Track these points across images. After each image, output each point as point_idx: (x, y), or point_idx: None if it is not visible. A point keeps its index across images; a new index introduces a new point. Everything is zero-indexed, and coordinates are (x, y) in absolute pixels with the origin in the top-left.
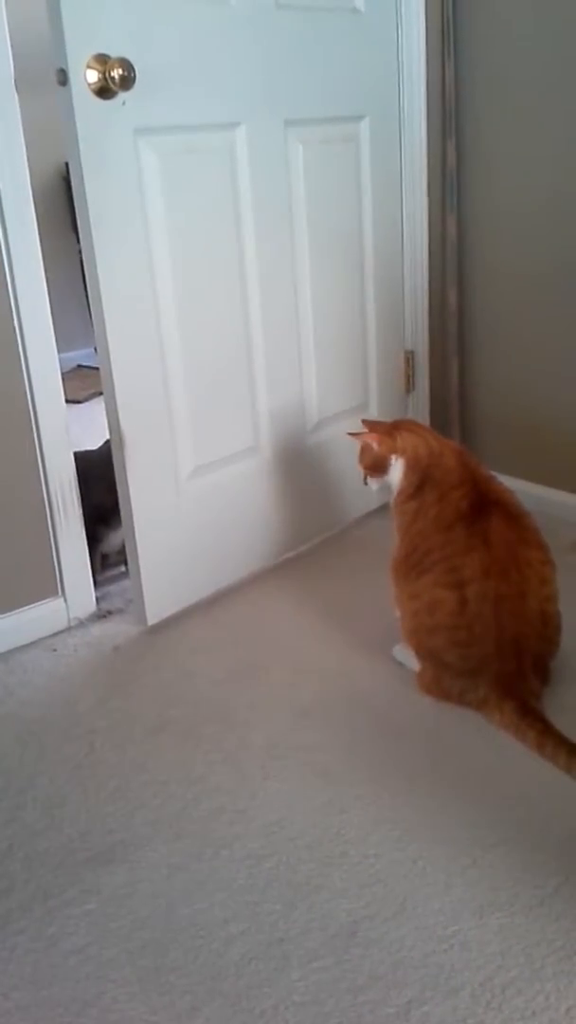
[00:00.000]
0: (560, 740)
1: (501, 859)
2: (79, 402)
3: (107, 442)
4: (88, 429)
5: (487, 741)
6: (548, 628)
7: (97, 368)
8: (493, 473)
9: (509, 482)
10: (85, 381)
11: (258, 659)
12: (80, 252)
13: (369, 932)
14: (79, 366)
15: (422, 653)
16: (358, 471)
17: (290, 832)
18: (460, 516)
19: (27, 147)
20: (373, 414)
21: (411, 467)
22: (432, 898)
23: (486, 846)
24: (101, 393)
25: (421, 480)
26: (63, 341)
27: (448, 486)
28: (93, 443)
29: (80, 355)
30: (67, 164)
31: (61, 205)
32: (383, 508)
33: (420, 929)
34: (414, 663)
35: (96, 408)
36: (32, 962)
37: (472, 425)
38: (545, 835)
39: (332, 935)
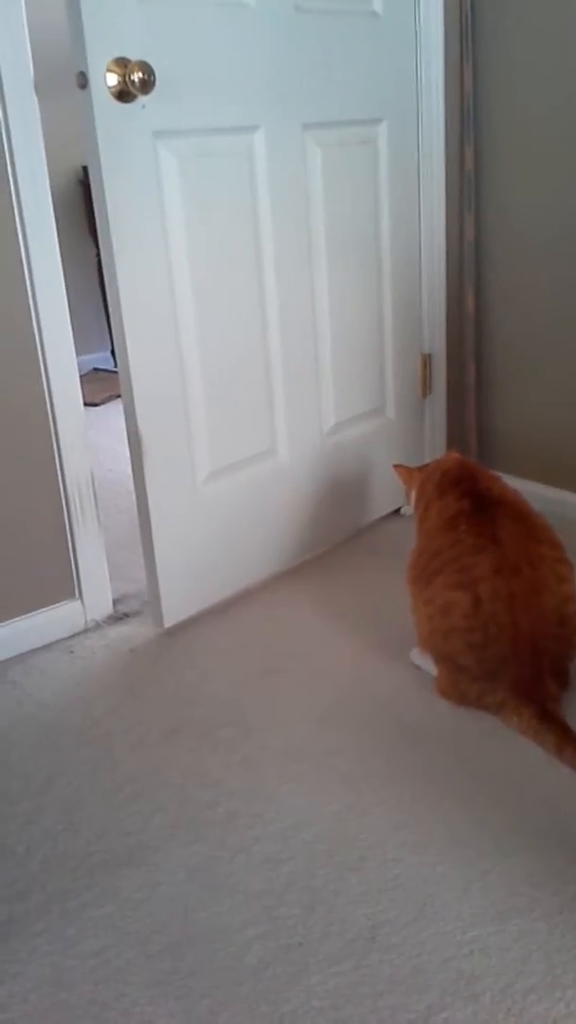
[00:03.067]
0: None
1: (521, 864)
2: (96, 405)
3: None
4: (105, 432)
5: (506, 745)
6: (566, 628)
7: (113, 371)
8: (500, 474)
9: (527, 486)
10: (101, 384)
11: (275, 662)
12: (97, 256)
13: (388, 937)
14: (95, 369)
15: (439, 657)
16: (380, 475)
17: (308, 836)
18: (463, 513)
19: (45, 151)
20: (390, 417)
21: (415, 482)
22: (451, 903)
23: (505, 851)
24: (117, 396)
25: (423, 483)
26: (79, 344)
27: (448, 483)
28: (109, 445)
29: (96, 358)
30: (84, 168)
31: (78, 209)
32: (399, 511)
33: (439, 934)
34: (432, 667)
35: (112, 411)
36: (50, 965)
37: (489, 428)
38: (565, 840)
39: (351, 940)
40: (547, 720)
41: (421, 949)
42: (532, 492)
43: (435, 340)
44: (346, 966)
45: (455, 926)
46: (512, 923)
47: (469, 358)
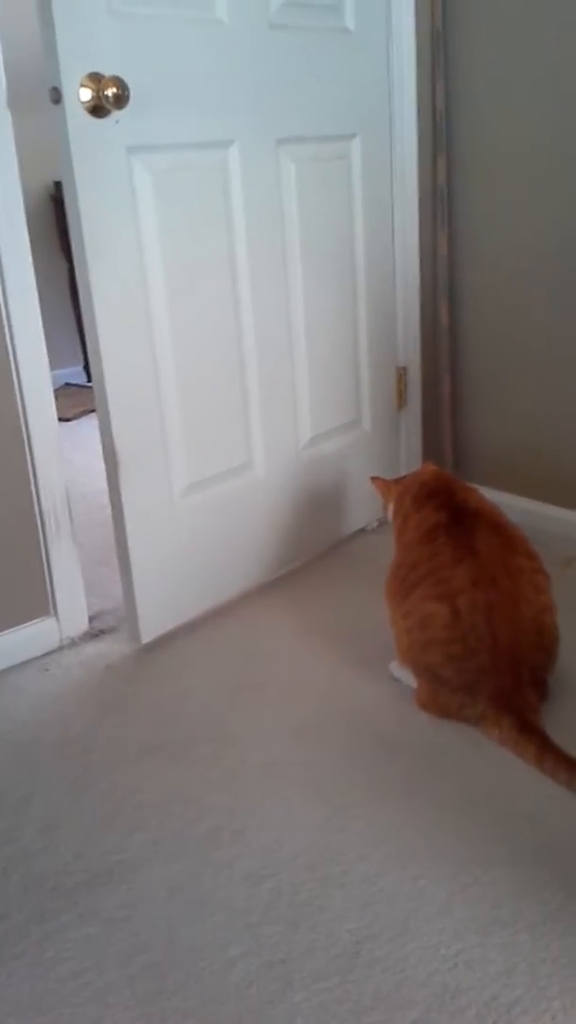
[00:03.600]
0: (560, 755)
1: (503, 876)
2: (68, 420)
3: None
4: (78, 447)
5: (486, 757)
6: (544, 639)
7: (85, 386)
8: (476, 486)
9: (502, 497)
10: (73, 399)
11: (253, 677)
12: (68, 271)
13: (372, 952)
14: (67, 384)
15: (418, 670)
16: (357, 488)
17: (290, 852)
18: (440, 525)
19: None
20: (366, 431)
21: (392, 494)
22: (434, 917)
23: (488, 863)
24: (90, 411)
25: (400, 496)
26: (51, 359)
27: (425, 495)
28: (82, 460)
29: (68, 373)
30: (56, 182)
31: (49, 223)
32: (376, 524)
33: (423, 948)
34: (411, 680)
35: (85, 426)
36: (29, 987)
37: (464, 440)
38: (547, 851)
39: (335, 956)
40: (527, 731)
41: (405, 964)
42: (508, 503)
43: (410, 353)
44: (331, 982)
45: (439, 940)
46: (496, 935)
47: (444, 371)
